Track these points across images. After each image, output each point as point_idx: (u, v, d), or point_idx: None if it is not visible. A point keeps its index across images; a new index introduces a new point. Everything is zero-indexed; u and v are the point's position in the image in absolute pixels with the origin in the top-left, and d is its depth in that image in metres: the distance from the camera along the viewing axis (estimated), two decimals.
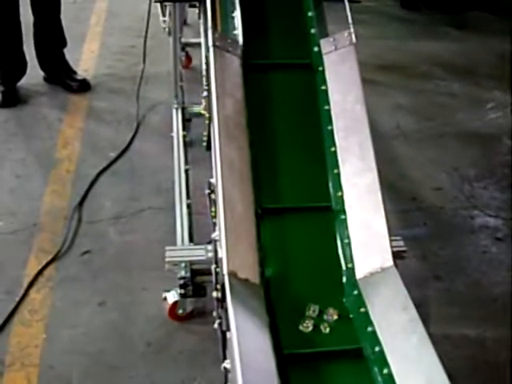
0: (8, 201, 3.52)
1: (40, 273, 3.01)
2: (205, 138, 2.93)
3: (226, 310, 2.06)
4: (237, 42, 2.64)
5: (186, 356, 2.63)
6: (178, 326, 2.76)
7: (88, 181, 3.67)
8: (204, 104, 2.94)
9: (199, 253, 2.66)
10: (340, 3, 2.80)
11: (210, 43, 2.57)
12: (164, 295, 2.77)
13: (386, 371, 1.95)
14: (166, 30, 3.86)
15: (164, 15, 3.83)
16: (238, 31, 2.69)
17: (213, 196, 2.49)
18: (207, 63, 2.69)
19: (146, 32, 4.66)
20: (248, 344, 1.91)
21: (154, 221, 3.40)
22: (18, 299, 2.86)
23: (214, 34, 2.59)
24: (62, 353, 2.62)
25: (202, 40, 3.17)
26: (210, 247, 2.70)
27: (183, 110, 3.92)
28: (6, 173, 3.75)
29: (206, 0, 2.74)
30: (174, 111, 3.92)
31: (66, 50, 4.76)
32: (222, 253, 2.18)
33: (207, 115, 2.69)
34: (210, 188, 2.52)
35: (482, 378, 2.52)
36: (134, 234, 3.30)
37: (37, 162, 3.89)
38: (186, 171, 3.35)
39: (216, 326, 2.17)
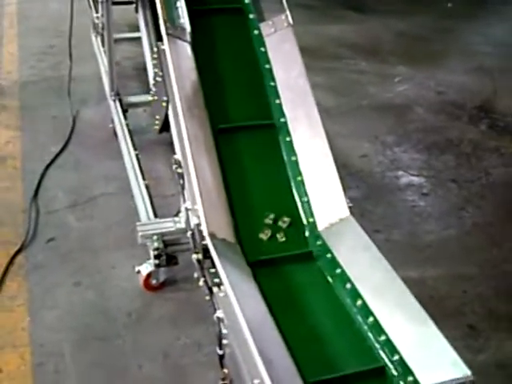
0: None
1: (10, 262, 3.14)
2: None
3: (211, 268, 2.33)
4: (185, 29, 2.88)
5: (167, 320, 2.86)
6: (154, 296, 2.98)
7: (36, 175, 3.80)
8: (154, 90, 3.13)
9: (169, 225, 2.91)
10: None
11: (164, 32, 2.81)
12: (137, 269, 2.97)
13: (359, 302, 2.26)
14: (100, 25, 4.02)
15: (97, 11, 3.99)
16: (185, 20, 2.92)
17: (180, 170, 2.71)
18: (158, 51, 2.90)
19: (71, 29, 4.85)
20: (240, 292, 2.18)
21: (109, 206, 3.59)
22: None
23: (165, 23, 2.83)
24: (49, 332, 2.79)
25: (144, 33, 3.39)
26: (177, 219, 2.96)
27: (120, 100, 4.10)
28: None
29: None
30: (112, 103, 4.09)
31: None
32: (201, 218, 2.43)
33: (163, 99, 2.89)
34: (176, 163, 2.74)
35: (430, 312, 2.87)
36: (92, 220, 3.49)
37: None
38: (137, 155, 3.56)
39: (201, 283, 2.40)
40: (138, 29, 5.13)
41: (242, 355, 2.09)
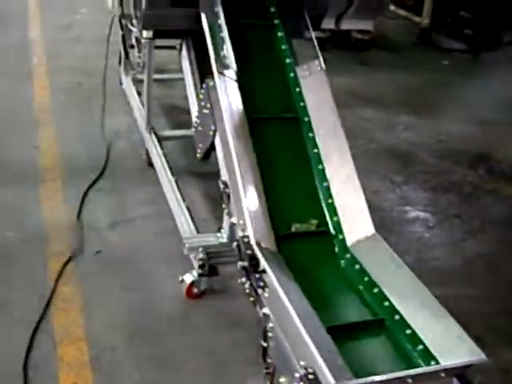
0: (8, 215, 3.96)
1: (62, 269, 3.48)
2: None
3: (258, 273, 2.71)
4: (233, 68, 3.30)
5: (207, 324, 3.21)
6: (194, 303, 3.33)
7: (77, 197, 4.15)
8: (199, 121, 3.51)
9: (212, 239, 3.29)
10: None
11: (215, 70, 3.24)
12: (181, 278, 3.33)
13: (386, 303, 2.64)
14: (141, 63, 4.44)
15: (140, 51, 4.41)
16: (232, 60, 3.35)
17: (227, 190, 3.09)
18: (207, 87, 3.31)
19: (106, 67, 5.27)
20: (288, 290, 2.55)
21: (147, 226, 3.95)
22: (50, 292, 3.32)
23: (216, 63, 3.26)
24: (103, 328, 3.13)
25: (188, 72, 3.80)
26: (219, 234, 3.34)
27: (155, 133, 4.50)
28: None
29: (207, 36, 3.41)
30: (147, 135, 4.49)
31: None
32: (248, 230, 2.81)
33: (211, 129, 3.28)
34: (223, 184, 3.12)
35: None
36: (133, 237, 3.84)
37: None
38: (176, 181, 3.95)
39: (247, 286, 2.76)
40: (162, 71, 5.64)
41: (290, 343, 2.44)
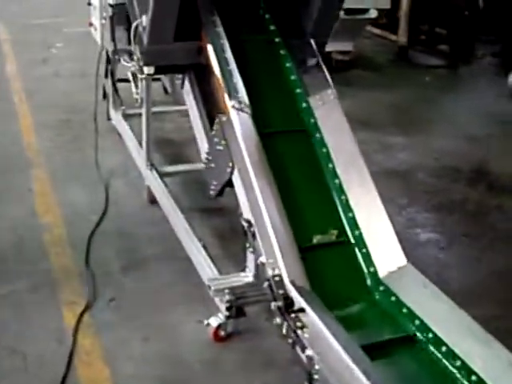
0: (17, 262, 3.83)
1: (79, 321, 3.35)
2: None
3: (294, 313, 2.63)
4: (245, 102, 3.24)
5: (238, 366, 3.11)
6: (222, 346, 3.22)
7: (83, 242, 4.03)
8: (211, 158, 3.42)
9: (237, 279, 3.19)
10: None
11: (229, 105, 3.17)
12: (206, 321, 3.23)
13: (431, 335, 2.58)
14: (139, 100, 4.34)
15: (137, 88, 4.32)
16: (243, 94, 3.28)
17: (252, 229, 3.00)
18: (219, 123, 3.23)
19: (96, 102, 5.17)
20: (332, 330, 2.48)
21: (158, 267, 3.84)
22: (70, 345, 3.19)
23: (229, 97, 3.19)
24: (130, 379, 3.01)
25: (193, 107, 3.72)
26: (244, 274, 3.24)
27: (156, 169, 4.41)
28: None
29: (215, 72, 3.34)
30: (148, 172, 4.39)
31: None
32: (281, 269, 2.74)
33: (228, 165, 3.19)
34: (246, 222, 3.03)
35: None
36: (145, 280, 3.72)
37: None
38: (188, 220, 3.85)
39: (284, 329, 2.68)
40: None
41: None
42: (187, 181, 4.76)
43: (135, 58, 3.88)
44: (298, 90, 3.47)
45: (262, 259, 2.92)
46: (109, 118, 5.67)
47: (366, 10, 6.94)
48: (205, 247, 3.59)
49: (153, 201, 4.41)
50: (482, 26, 8.82)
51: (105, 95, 5.90)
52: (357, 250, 3.04)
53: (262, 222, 2.91)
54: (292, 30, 3.75)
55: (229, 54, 3.43)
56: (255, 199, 2.95)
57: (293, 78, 3.51)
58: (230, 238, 4.11)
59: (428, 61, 8.48)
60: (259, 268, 2.99)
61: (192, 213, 4.27)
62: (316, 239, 3.05)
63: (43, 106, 6.25)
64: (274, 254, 2.81)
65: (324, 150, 3.28)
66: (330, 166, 3.23)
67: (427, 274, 3.75)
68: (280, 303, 2.71)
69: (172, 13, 3.41)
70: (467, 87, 7.65)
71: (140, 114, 5.21)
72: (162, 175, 4.37)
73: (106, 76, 5.73)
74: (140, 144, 4.75)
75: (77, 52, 8.03)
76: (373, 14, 6.90)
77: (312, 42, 3.69)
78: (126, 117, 5.37)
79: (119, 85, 5.43)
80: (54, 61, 7.73)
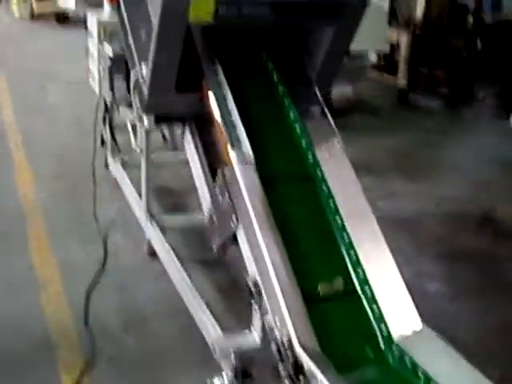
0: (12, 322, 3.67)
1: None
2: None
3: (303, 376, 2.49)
4: (249, 154, 3.13)
5: None
6: None
7: (81, 298, 3.87)
8: (215, 212, 3.29)
9: (243, 340, 3.03)
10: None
11: (233, 157, 3.06)
12: (209, 382, 3.06)
13: None
14: (138, 150, 4.24)
15: (136, 138, 4.22)
16: (247, 145, 3.18)
17: (258, 288, 2.86)
18: (223, 175, 3.11)
19: (94, 154, 5.06)
20: None
21: (160, 326, 3.69)
22: None
23: (232, 149, 3.09)
24: None
25: (195, 158, 3.61)
26: (249, 333, 3.08)
27: (156, 222, 4.28)
28: None
29: (218, 123, 3.24)
30: (148, 224, 4.26)
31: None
32: (290, 333, 2.60)
33: (234, 222, 3.06)
34: (251, 281, 2.89)
35: None
36: (146, 340, 3.57)
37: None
38: (189, 275, 3.71)
39: None
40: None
41: None
42: (187, 231, 4.63)
43: (135, 108, 3.78)
44: (304, 141, 3.36)
45: (269, 319, 2.78)
46: (107, 166, 5.56)
47: (365, 55, 6.92)
48: (207, 305, 3.44)
49: (153, 253, 4.27)
50: (480, 67, 8.81)
51: (103, 142, 5.82)
52: (366, 304, 2.90)
53: (268, 281, 2.78)
54: (295, 78, 3.66)
55: (231, 104, 3.33)
56: (261, 257, 2.82)
57: (297, 128, 3.41)
58: (232, 291, 3.98)
59: (428, 104, 8.44)
60: (266, 328, 2.85)
61: (193, 265, 4.15)
62: (322, 288, 2.91)
63: (39, 154, 6.16)
64: (282, 315, 2.67)
65: (331, 202, 3.16)
66: (338, 219, 3.11)
67: (439, 328, 3.65)
68: (289, 367, 2.57)
69: (173, 63, 3.33)
70: (469, 130, 7.59)
71: (139, 163, 5.15)
72: (161, 227, 4.24)
73: (104, 123, 5.66)
74: (139, 194, 4.64)
75: (73, 98, 7.98)
76: (372, 58, 6.87)
77: (316, 90, 3.60)
78: (124, 165, 5.25)
79: (117, 132, 5.35)
80: (51, 107, 7.65)
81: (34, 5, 13.78)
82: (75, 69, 9.09)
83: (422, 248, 4.69)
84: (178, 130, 5.06)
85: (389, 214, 5.15)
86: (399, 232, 4.86)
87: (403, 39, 8.18)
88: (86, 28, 5.17)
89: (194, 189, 5.26)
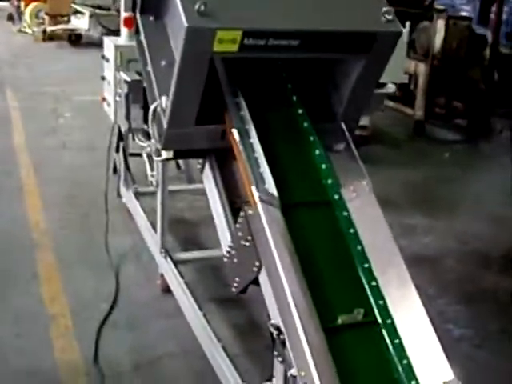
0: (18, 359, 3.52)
1: None
2: None
3: None
4: (274, 194, 2.98)
5: None
6: None
7: (91, 335, 3.73)
8: (234, 253, 3.14)
9: None
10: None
11: (257, 199, 2.91)
12: None
13: None
14: (154, 182, 4.11)
15: (152, 170, 4.09)
16: (271, 185, 3.03)
17: (282, 336, 2.70)
18: (245, 216, 2.96)
19: (107, 185, 4.94)
20: None
21: (173, 367, 3.54)
22: None
23: (257, 189, 2.94)
24: None
25: (215, 194, 3.46)
26: None
27: (170, 257, 4.13)
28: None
29: (241, 159, 3.10)
30: (162, 259, 4.12)
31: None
32: None
33: (255, 264, 2.91)
34: (275, 329, 2.73)
35: None
36: (158, 381, 3.42)
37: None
38: (204, 315, 3.56)
39: None
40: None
41: None
42: (202, 267, 4.49)
43: (153, 140, 3.64)
44: (330, 181, 3.22)
45: (294, 372, 2.62)
46: (119, 195, 5.43)
47: (383, 85, 6.78)
48: (224, 349, 3.28)
49: (166, 289, 4.12)
50: (497, 98, 8.70)
51: (115, 170, 5.70)
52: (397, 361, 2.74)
53: (293, 331, 2.62)
54: (321, 112, 3.53)
55: (255, 140, 3.19)
56: (286, 304, 2.66)
57: (323, 166, 3.26)
58: (250, 332, 3.84)
59: (446, 135, 8.34)
60: (289, 381, 2.69)
61: (208, 303, 3.99)
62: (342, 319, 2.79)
63: (50, 180, 6.02)
64: (309, 369, 2.51)
65: (359, 247, 3.01)
66: (366, 265, 2.96)
67: (465, 375, 3.49)
68: None
69: (195, 96, 3.19)
70: (488, 164, 7.45)
71: (153, 193, 5.01)
72: (176, 263, 4.09)
73: (117, 151, 5.53)
74: (153, 226, 4.50)
75: (85, 122, 7.89)
76: (391, 88, 6.72)
77: (343, 125, 3.47)
78: (138, 195, 5.12)
79: (131, 160, 5.22)
80: (62, 131, 7.55)
81: (47, 25, 13.76)
82: (87, 91, 9.07)
83: (444, 288, 4.53)
84: (193, 162, 4.97)
85: (409, 252, 4.96)
86: (420, 271, 4.69)
87: (421, 70, 8.07)
88: (102, 57, 5.04)
89: (209, 220, 5.18)
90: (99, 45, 12.49)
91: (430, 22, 8.02)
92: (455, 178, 6.78)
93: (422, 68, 8.06)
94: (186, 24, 2.88)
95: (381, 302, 2.87)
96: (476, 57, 8.29)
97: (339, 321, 2.78)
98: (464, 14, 11.85)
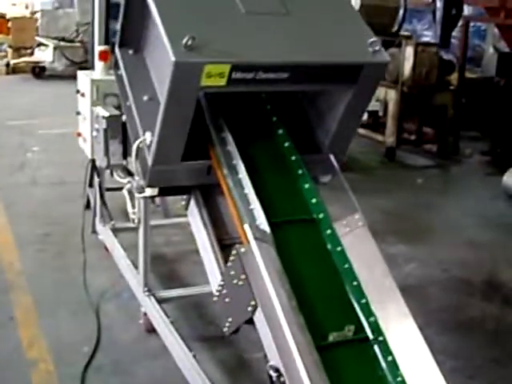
0: None
1: None
2: None
3: None
4: (266, 231, 2.91)
5: None
6: None
7: (75, 381, 3.59)
8: (226, 292, 3.03)
9: None
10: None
11: (250, 235, 2.83)
12: None
13: None
14: (136, 220, 3.99)
15: (133, 207, 3.98)
16: (263, 222, 2.96)
17: (282, 379, 2.61)
18: (237, 254, 2.87)
19: (83, 224, 4.81)
20: None
21: None
22: None
23: (250, 227, 2.86)
24: None
25: (202, 232, 3.36)
26: None
27: (154, 296, 4.01)
28: None
29: (231, 196, 3.02)
30: (146, 298, 4.00)
31: None
32: None
33: (251, 304, 2.81)
34: (275, 371, 2.64)
35: None
36: None
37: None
38: (194, 356, 3.45)
39: None
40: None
41: None
42: (183, 304, 4.37)
43: (136, 177, 3.54)
44: (321, 215, 3.16)
45: None
46: (94, 231, 5.30)
47: None
48: None
49: (150, 329, 4.00)
50: (465, 123, 8.80)
51: (88, 205, 5.58)
52: None
53: (294, 373, 2.53)
54: (305, 144, 3.48)
55: (243, 176, 3.12)
56: (286, 346, 2.58)
57: (313, 201, 3.20)
58: (239, 372, 3.73)
59: (417, 161, 8.37)
60: None
61: (193, 343, 3.86)
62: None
63: (21, 217, 5.86)
64: None
65: (355, 283, 2.94)
66: (364, 301, 2.89)
67: None
68: None
69: (182, 133, 3.10)
70: (461, 189, 7.49)
71: (130, 229, 4.89)
72: (160, 301, 3.97)
73: (90, 185, 5.43)
74: (133, 263, 4.39)
75: (53, 156, 7.76)
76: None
77: (331, 157, 3.42)
78: (115, 231, 4.99)
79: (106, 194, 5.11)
80: (31, 166, 7.38)
81: (10, 57, 13.56)
82: (54, 125, 8.96)
83: (430, 317, 4.45)
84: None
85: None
86: (405, 300, 4.64)
87: (391, 96, 8.10)
88: (77, 91, 4.93)
89: (188, 255, 5.09)
90: (63, 77, 12.51)
91: (398, 49, 8.07)
92: (430, 204, 6.79)
93: (392, 94, 8.10)
94: (173, 59, 2.81)
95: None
96: (444, 82, 8.36)
97: (330, 338, 2.76)
98: (426, 39, 12.03)
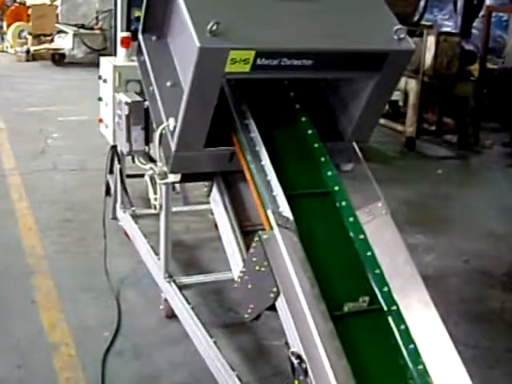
0: None
1: None
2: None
3: None
4: (289, 218, 2.91)
5: None
6: None
7: (96, 364, 3.61)
8: (248, 278, 3.04)
9: None
10: None
11: (272, 221, 2.83)
12: None
13: None
14: (157, 206, 4.00)
15: (155, 193, 3.99)
16: (285, 209, 2.96)
17: (304, 365, 2.61)
18: (260, 241, 2.86)
19: (104, 213, 4.83)
20: None
21: None
22: None
23: (273, 214, 2.86)
24: None
25: (225, 218, 3.37)
26: None
27: (174, 281, 4.03)
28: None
29: (253, 183, 3.02)
30: (166, 284, 4.01)
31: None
32: None
33: (273, 291, 2.81)
34: (296, 358, 2.64)
35: None
36: None
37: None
38: (215, 342, 3.46)
39: None
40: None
41: None
42: (203, 290, 4.38)
43: (159, 163, 3.56)
44: (344, 203, 3.15)
45: None
46: (114, 217, 5.32)
47: None
48: (239, 378, 3.18)
49: (170, 315, 4.02)
50: (486, 113, 8.73)
51: (108, 192, 5.60)
52: None
53: (317, 360, 2.54)
54: (328, 132, 3.47)
55: (266, 163, 3.12)
56: (309, 333, 2.58)
57: (336, 188, 3.20)
58: (259, 358, 3.75)
59: (437, 152, 8.32)
60: None
61: (213, 329, 3.87)
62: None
63: (43, 203, 5.90)
64: None
65: (377, 271, 2.94)
66: (385, 289, 2.89)
67: None
68: None
69: (205, 119, 3.11)
70: (481, 180, 7.44)
71: (150, 215, 4.91)
72: (181, 288, 3.99)
73: (111, 172, 5.45)
74: (153, 249, 4.41)
75: (73, 143, 7.78)
76: None
77: (355, 145, 3.41)
78: (136, 218, 5.01)
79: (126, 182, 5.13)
80: (52, 152, 7.41)
81: (30, 44, 13.62)
82: (73, 111, 9.00)
83: (451, 308, 4.44)
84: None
85: None
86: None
87: (412, 86, 8.05)
88: (99, 77, 4.95)
89: (207, 243, 5.10)
90: (83, 64, 12.55)
91: (419, 38, 8.00)
92: (450, 195, 6.75)
93: (412, 84, 8.05)
94: (198, 44, 2.81)
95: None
96: (466, 72, 8.29)
97: (345, 308, 2.80)
98: (446, 29, 11.94)
